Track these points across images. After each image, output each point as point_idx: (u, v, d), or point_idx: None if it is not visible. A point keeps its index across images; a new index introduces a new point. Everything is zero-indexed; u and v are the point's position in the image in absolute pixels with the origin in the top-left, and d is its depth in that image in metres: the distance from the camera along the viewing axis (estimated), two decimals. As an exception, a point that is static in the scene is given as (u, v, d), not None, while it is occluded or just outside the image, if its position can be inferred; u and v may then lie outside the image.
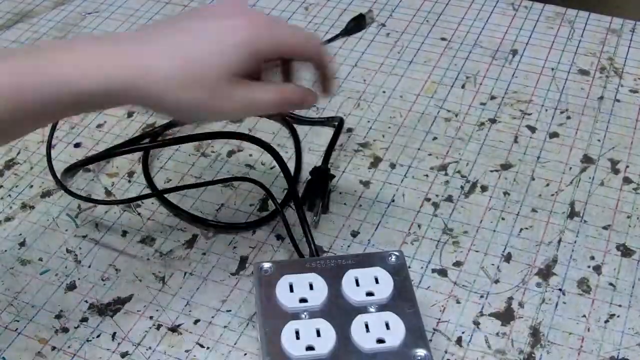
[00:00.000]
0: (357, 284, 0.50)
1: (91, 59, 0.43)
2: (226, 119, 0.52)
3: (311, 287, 0.50)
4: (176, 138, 0.68)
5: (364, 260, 0.52)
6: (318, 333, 0.48)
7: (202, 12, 0.48)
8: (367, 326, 0.48)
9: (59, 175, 0.63)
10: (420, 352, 0.47)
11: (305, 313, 0.49)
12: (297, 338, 0.48)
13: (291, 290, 0.50)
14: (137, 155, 0.67)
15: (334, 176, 0.64)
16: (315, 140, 0.68)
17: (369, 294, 0.50)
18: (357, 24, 0.80)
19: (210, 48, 0.45)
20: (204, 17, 0.47)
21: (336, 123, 0.69)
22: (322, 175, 0.63)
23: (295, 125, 0.69)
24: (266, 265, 0.52)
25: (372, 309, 0.49)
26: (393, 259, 0.52)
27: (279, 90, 0.50)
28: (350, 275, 0.51)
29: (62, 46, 0.46)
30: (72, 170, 0.65)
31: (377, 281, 0.51)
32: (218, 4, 0.49)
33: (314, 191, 0.62)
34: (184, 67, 0.44)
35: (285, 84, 0.53)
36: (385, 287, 0.50)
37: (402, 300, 0.50)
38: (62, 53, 0.44)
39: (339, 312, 0.49)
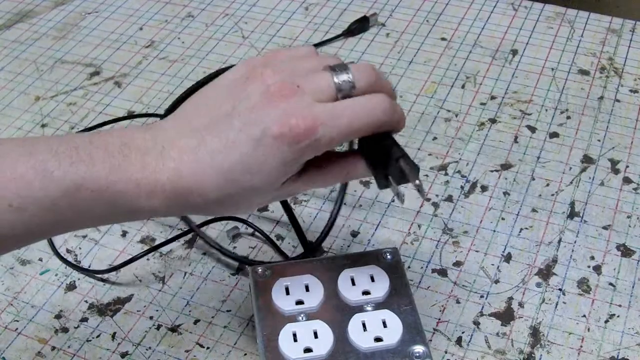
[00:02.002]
0: (353, 284, 0.50)
1: (145, 175, 0.40)
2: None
3: (307, 288, 0.50)
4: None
5: (359, 260, 0.52)
6: (315, 335, 0.48)
7: (238, 99, 0.41)
8: (364, 325, 0.48)
9: None
10: (419, 348, 0.47)
11: (302, 315, 0.49)
12: (295, 341, 0.47)
13: (287, 293, 0.50)
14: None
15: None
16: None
17: (365, 292, 0.50)
18: (361, 25, 0.80)
19: (250, 168, 0.40)
20: (240, 111, 0.41)
21: None
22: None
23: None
24: (261, 268, 0.51)
25: (368, 308, 0.49)
26: (388, 256, 0.52)
27: (315, 184, 0.45)
28: (345, 275, 0.51)
29: (117, 154, 0.41)
30: None
31: (372, 280, 0.50)
32: (251, 79, 0.42)
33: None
34: (224, 186, 0.41)
35: (318, 175, 0.45)
36: (381, 285, 0.50)
37: (399, 297, 0.50)
38: (118, 164, 0.40)
39: (336, 312, 0.49)
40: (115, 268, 0.58)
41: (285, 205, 0.60)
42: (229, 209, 0.43)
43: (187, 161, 0.41)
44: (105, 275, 0.58)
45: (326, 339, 0.48)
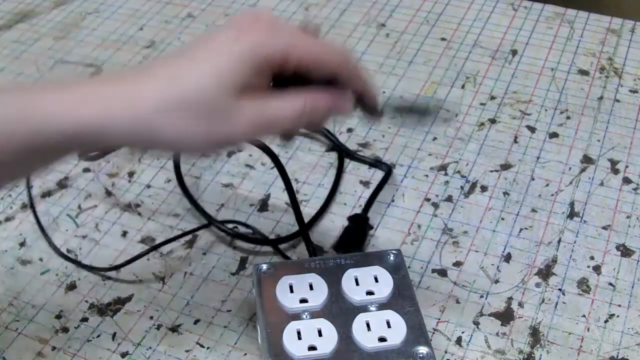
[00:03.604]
0: (357, 284, 0.50)
1: (75, 97, 0.39)
2: (238, 142, 0.49)
3: (311, 287, 0.50)
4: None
5: (363, 260, 0.52)
6: (320, 333, 0.48)
7: (211, 34, 0.42)
8: (368, 325, 0.48)
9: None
10: (422, 349, 0.47)
11: (306, 313, 0.49)
12: (299, 338, 0.48)
13: (291, 290, 0.50)
14: (137, 155, 0.68)
15: (372, 227, 0.60)
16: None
17: (369, 293, 0.50)
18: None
19: (204, 70, 0.40)
20: (207, 39, 0.42)
21: (384, 171, 0.65)
22: (361, 224, 0.60)
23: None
24: (265, 266, 0.52)
25: (372, 308, 0.49)
26: (392, 257, 0.52)
27: (301, 98, 0.42)
28: (349, 275, 0.51)
29: (55, 86, 0.41)
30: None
31: (376, 280, 0.51)
32: (231, 21, 0.43)
33: (351, 239, 0.59)
34: (173, 96, 0.39)
35: (308, 89, 0.43)
36: (385, 285, 0.50)
37: (402, 298, 0.50)
38: (51, 92, 0.40)
39: (340, 311, 0.49)
40: (120, 266, 0.58)
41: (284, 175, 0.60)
42: (178, 122, 0.40)
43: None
44: (106, 274, 0.58)
45: (330, 337, 0.48)
